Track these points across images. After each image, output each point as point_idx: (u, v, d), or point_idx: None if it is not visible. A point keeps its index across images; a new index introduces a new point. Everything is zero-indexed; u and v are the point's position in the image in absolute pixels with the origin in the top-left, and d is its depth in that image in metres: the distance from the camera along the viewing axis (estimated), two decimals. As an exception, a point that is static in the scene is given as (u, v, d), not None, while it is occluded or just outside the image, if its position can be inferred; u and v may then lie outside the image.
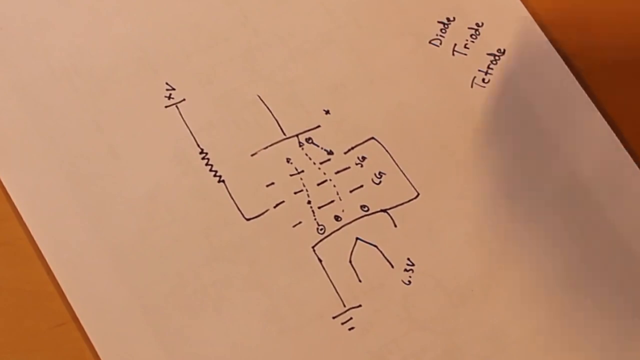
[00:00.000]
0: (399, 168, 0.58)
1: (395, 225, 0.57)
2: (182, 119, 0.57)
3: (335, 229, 0.57)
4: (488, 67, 0.61)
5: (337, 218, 0.57)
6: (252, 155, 0.57)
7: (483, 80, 0.61)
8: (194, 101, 0.58)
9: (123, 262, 0.53)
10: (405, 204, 0.58)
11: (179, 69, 0.58)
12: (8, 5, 0.58)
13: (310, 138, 0.58)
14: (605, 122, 0.61)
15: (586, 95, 0.61)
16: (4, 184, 0.54)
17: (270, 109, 0.58)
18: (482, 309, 0.56)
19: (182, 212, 0.55)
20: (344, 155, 0.58)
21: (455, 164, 0.59)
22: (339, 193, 0.57)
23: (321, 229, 0.56)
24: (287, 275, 0.55)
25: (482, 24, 0.62)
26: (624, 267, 0.58)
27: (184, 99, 0.58)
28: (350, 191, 0.58)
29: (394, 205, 0.58)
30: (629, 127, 0.61)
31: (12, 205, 0.54)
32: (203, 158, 0.57)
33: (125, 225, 0.54)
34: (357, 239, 0.57)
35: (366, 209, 0.57)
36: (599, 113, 0.61)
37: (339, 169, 0.58)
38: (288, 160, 0.57)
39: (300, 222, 0.56)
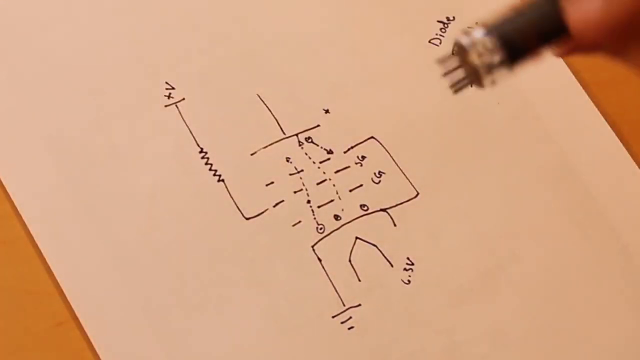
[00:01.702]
0: (399, 167, 0.58)
1: (395, 225, 0.57)
2: (182, 118, 0.57)
3: (335, 228, 0.57)
4: (488, 67, 0.61)
5: (336, 217, 0.57)
6: (252, 154, 0.57)
7: (483, 79, 0.61)
8: (194, 100, 0.58)
9: (123, 261, 0.53)
10: (405, 203, 0.58)
11: (179, 68, 0.58)
12: (8, 4, 0.58)
13: (309, 137, 0.58)
14: (606, 122, 0.61)
15: (587, 95, 0.61)
16: (4, 183, 0.54)
17: (270, 108, 0.58)
18: (482, 309, 0.56)
19: (182, 211, 0.55)
20: (343, 154, 0.58)
21: (455, 163, 0.59)
22: (339, 192, 0.57)
23: (321, 228, 0.56)
24: (287, 275, 0.55)
25: (482, 23, 0.62)
26: (623, 267, 0.58)
27: (183, 99, 0.58)
28: (350, 190, 0.58)
29: (394, 204, 0.58)
30: (629, 127, 0.61)
31: (12, 205, 0.54)
32: (203, 157, 0.57)
33: (125, 225, 0.54)
34: (356, 238, 0.57)
35: (366, 208, 0.57)
36: (599, 113, 0.61)
37: (338, 168, 0.58)
38: (288, 159, 0.57)
39: (299, 222, 0.56)
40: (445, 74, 0.39)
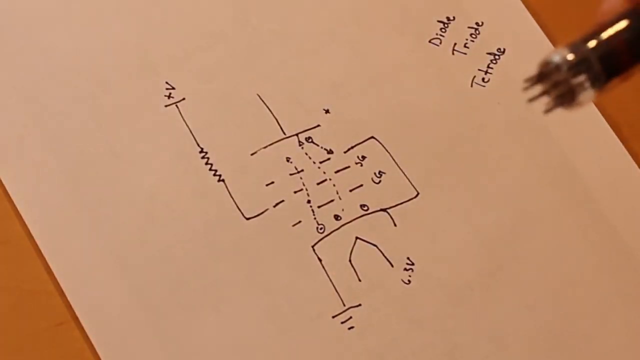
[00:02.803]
0: (399, 167, 0.58)
1: (395, 225, 0.57)
2: (182, 118, 0.57)
3: (335, 228, 0.57)
4: (488, 67, 0.61)
5: (336, 217, 0.57)
6: (252, 154, 0.57)
7: (483, 79, 0.61)
8: (194, 100, 0.58)
9: (123, 261, 0.53)
10: (405, 203, 0.58)
11: (179, 68, 0.58)
12: (8, 4, 0.58)
13: (310, 137, 0.58)
14: (606, 122, 0.61)
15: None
16: (4, 183, 0.54)
17: (270, 108, 0.58)
18: (482, 309, 0.56)
19: (182, 211, 0.55)
20: (343, 154, 0.58)
21: (455, 163, 0.59)
22: (339, 192, 0.57)
23: (321, 228, 0.56)
24: (287, 275, 0.55)
25: (482, 23, 0.62)
26: (623, 266, 0.58)
27: (183, 98, 0.58)
28: (350, 190, 0.58)
29: (394, 204, 0.58)
30: (629, 127, 0.61)
31: (11, 204, 0.54)
32: (203, 157, 0.57)
33: (125, 225, 0.54)
34: (356, 238, 0.57)
35: (366, 208, 0.57)
36: (599, 113, 0.61)
37: (338, 168, 0.58)
38: (288, 159, 0.57)
39: (300, 222, 0.56)
40: (532, 98, 0.38)
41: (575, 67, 0.37)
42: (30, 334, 0.52)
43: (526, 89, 0.38)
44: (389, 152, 0.59)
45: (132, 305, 0.53)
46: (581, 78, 0.38)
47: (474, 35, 0.62)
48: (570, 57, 0.38)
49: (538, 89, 0.39)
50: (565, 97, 0.38)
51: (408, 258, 0.57)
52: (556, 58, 0.38)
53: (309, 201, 0.57)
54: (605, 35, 0.38)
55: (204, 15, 0.60)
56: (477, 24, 0.62)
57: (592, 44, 0.38)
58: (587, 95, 0.38)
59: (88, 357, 0.52)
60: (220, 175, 0.56)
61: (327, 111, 0.59)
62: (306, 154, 0.58)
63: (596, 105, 0.61)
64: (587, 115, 0.61)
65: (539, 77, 0.39)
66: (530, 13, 0.63)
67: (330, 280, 0.56)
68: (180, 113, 0.57)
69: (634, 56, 0.38)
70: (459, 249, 0.57)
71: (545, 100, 0.39)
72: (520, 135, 0.60)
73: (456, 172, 0.59)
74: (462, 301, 0.56)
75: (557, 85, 0.38)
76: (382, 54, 0.61)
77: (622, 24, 0.38)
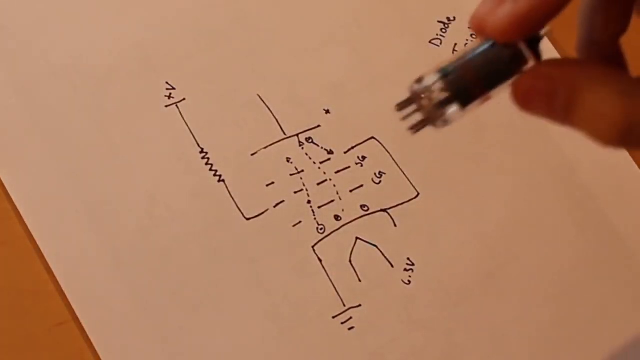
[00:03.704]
0: (399, 168, 0.58)
1: (395, 225, 0.57)
2: (182, 118, 0.57)
3: (335, 228, 0.57)
4: (488, 67, 0.61)
5: (337, 218, 0.57)
6: (252, 154, 0.57)
7: (483, 80, 0.61)
8: (194, 101, 0.58)
9: (123, 261, 0.53)
10: (405, 204, 0.58)
11: (179, 68, 0.58)
12: (8, 4, 0.58)
13: (310, 137, 0.58)
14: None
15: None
16: (4, 183, 0.54)
17: (271, 108, 0.58)
18: (482, 309, 0.56)
19: (182, 211, 0.55)
20: (344, 154, 0.58)
21: (455, 164, 0.59)
22: (339, 193, 0.57)
23: (321, 229, 0.56)
24: (287, 275, 0.55)
25: (483, 23, 0.62)
26: (623, 266, 0.58)
27: (184, 99, 0.58)
28: (350, 191, 0.58)
29: (394, 205, 0.58)
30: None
31: (12, 205, 0.54)
32: (203, 157, 0.57)
33: (125, 225, 0.54)
34: (357, 238, 0.57)
35: (366, 208, 0.57)
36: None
37: (339, 169, 0.58)
38: (288, 159, 0.57)
39: (300, 222, 0.56)
40: (404, 118, 0.40)
41: (431, 93, 0.39)
42: (30, 334, 0.52)
43: (399, 111, 0.40)
44: (389, 153, 0.59)
45: (132, 305, 0.53)
46: (438, 105, 0.39)
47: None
48: (429, 82, 0.39)
49: (410, 110, 0.40)
50: (428, 119, 0.40)
51: (408, 258, 0.57)
52: (416, 87, 0.40)
53: (309, 201, 0.57)
54: (461, 61, 0.39)
55: (204, 15, 0.60)
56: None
57: (449, 69, 0.39)
58: (448, 117, 0.39)
59: (88, 357, 0.52)
60: (220, 176, 0.56)
61: (327, 111, 0.59)
62: (306, 154, 0.58)
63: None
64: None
65: (410, 100, 0.40)
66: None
67: (330, 281, 0.56)
68: (180, 113, 0.57)
69: (485, 86, 0.39)
70: (459, 249, 0.57)
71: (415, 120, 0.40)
72: (520, 136, 0.60)
73: (456, 172, 0.59)
74: (462, 301, 0.56)
75: (421, 108, 0.40)
76: (383, 55, 0.61)
77: (478, 50, 0.39)
